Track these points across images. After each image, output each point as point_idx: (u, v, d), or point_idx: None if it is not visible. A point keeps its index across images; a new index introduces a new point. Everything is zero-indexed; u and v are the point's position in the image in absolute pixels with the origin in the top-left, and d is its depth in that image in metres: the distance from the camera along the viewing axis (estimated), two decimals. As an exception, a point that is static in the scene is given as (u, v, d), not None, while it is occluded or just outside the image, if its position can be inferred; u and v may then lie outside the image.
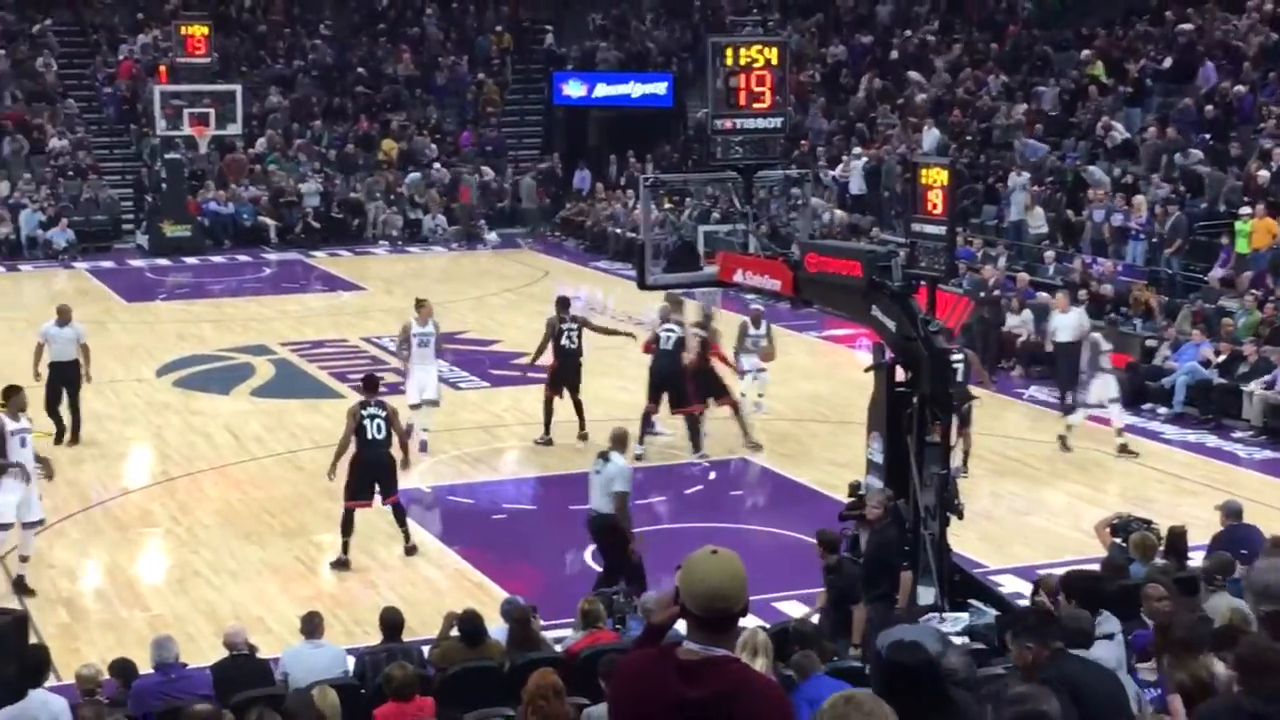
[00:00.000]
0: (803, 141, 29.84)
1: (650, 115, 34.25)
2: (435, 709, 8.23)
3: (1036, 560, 12.82)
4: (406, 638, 9.67)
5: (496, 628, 9.65)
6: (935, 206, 11.18)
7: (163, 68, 30.77)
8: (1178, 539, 10.53)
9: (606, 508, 11.87)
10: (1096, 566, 10.31)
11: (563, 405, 16.58)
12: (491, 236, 31.65)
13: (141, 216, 30.81)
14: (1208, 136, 23.68)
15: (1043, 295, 20.74)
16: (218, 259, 29.61)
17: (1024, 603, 10.34)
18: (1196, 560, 10.44)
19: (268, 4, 37.37)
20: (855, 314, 12.28)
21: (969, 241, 22.78)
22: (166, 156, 29.63)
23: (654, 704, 3.80)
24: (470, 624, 9.34)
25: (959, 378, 14.13)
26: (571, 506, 13.94)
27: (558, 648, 9.56)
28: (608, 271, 28.16)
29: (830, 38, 34.32)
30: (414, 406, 16.06)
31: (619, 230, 29.62)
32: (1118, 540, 10.98)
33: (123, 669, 9.23)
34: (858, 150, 28.74)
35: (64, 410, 16.37)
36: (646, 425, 16.17)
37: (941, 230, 11.14)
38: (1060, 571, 9.31)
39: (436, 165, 33.30)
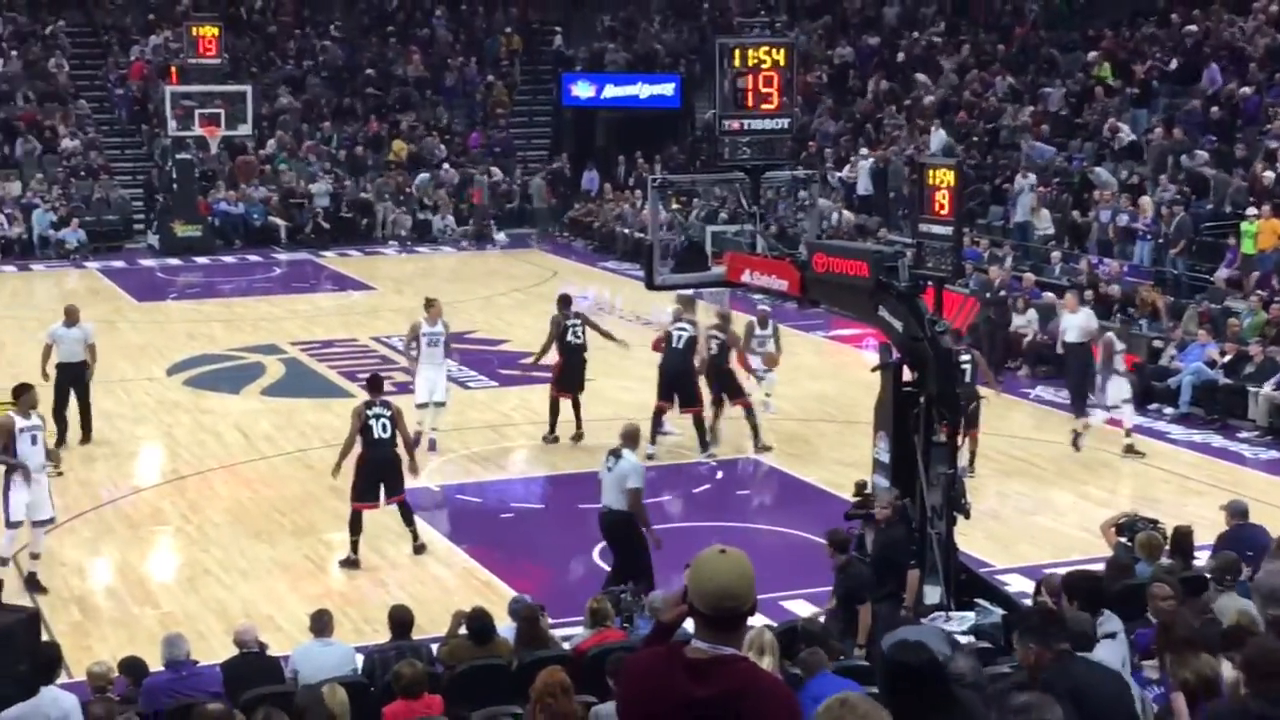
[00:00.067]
0: (810, 142, 29.87)
1: (658, 116, 34.30)
2: (444, 706, 8.25)
3: (1043, 560, 12.84)
4: (415, 636, 9.70)
5: (505, 626, 9.67)
6: (942, 207, 11.20)
7: (174, 68, 30.87)
8: (1183, 539, 10.53)
9: (619, 504, 11.86)
10: (1102, 566, 10.36)
11: (565, 404, 16.59)
12: (500, 237, 31.74)
13: (152, 216, 30.91)
14: (1213, 138, 23.70)
15: (1048, 295, 20.79)
16: (228, 259, 29.70)
17: (1029, 602, 10.37)
18: (1202, 560, 10.47)
19: (278, 5, 37.48)
20: (862, 314, 12.31)
21: (975, 242, 22.81)
22: (177, 157, 29.73)
23: (662, 702, 3.81)
24: (479, 622, 9.35)
25: (966, 378, 14.25)
26: (580, 505, 13.99)
27: (566, 646, 9.56)
28: (616, 272, 28.22)
29: (838, 39, 34.36)
30: (421, 405, 16.09)
31: (627, 230, 29.67)
32: (1123, 540, 11.00)
33: (132, 667, 9.23)
34: (865, 151, 28.79)
35: (71, 412, 16.33)
36: (658, 424, 16.20)
37: (948, 231, 11.15)
38: (1065, 571, 9.34)
39: (446, 166, 33.40)
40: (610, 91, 34.86)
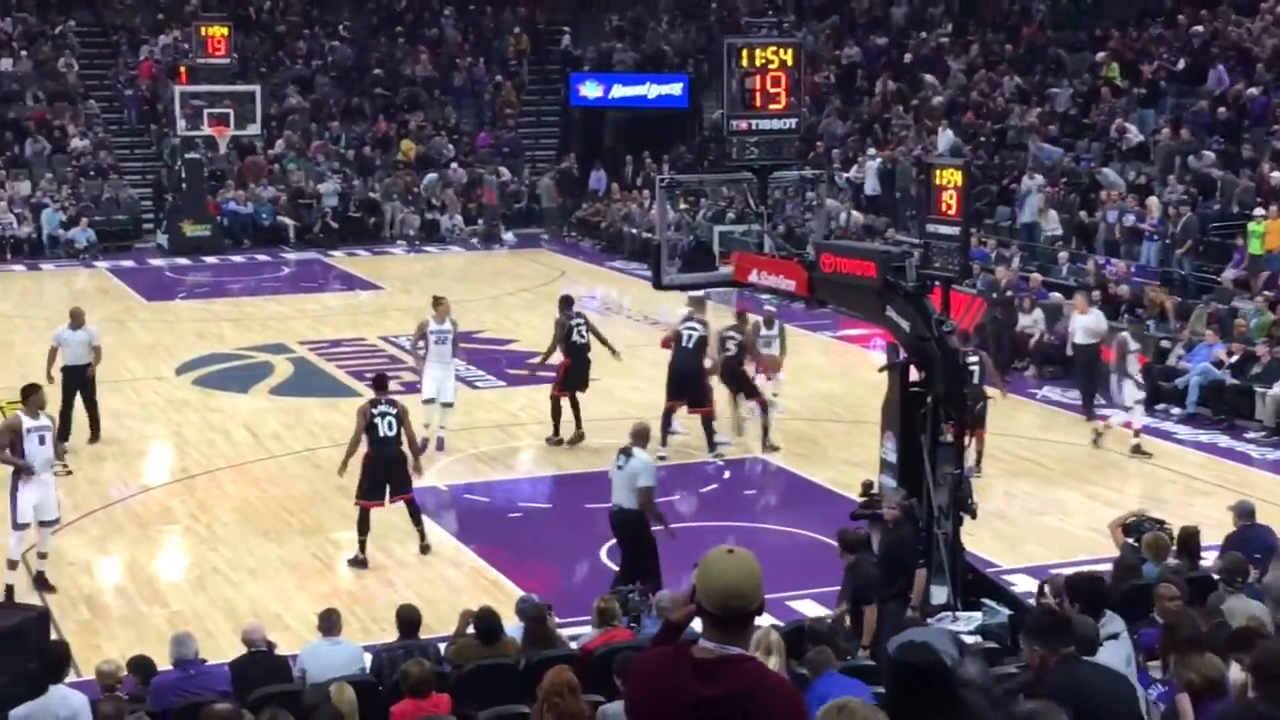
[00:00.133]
0: (818, 142, 29.89)
1: (666, 116, 34.32)
2: (451, 706, 8.25)
3: (1049, 560, 12.84)
4: (423, 635, 9.70)
5: (513, 626, 9.69)
6: (949, 207, 11.22)
7: (183, 68, 30.96)
8: (1190, 539, 10.54)
9: (629, 503, 11.87)
10: (1109, 566, 10.37)
11: (565, 405, 16.55)
12: (508, 237, 31.78)
13: (161, 216, 30.99)
14: (1220, 139, 23.69)
15: (1055, 295, 20.80)
16: (237, 258, 29.77)
17: (1033, 603, 10.37)
18: (1209, 560, 10.48)
19: (287, 5, 37.55)
20: (869, 314, 12.32)
21: (983, 242, 22.82)
22: (186, 156, 29.80)
23: (670, 701, 3.82)
24: (486, 622, 9.37)
25: (974, 380, 14.26)
26: (587, 505, 14.03)
27: (573, 645, 9.58)
28: (623, 271, 28.25)
29: (845, 39, 34.37)
30: (428, 401, 16.10)
31: (635, 230, 29.70)
32: (1130, 540, 11.01)
33: (141, 666, 9.26)
34: (872, 151, 28.80)
35: (78, 413, 16.34)
36: (668, 424, 16.20)
37: (955, 231, 11.17)
38: (1071, 571, 9.35)
39: (454, 165, 33.44)
40: (618, 91, 34.89)
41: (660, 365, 16.67)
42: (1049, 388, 19.35)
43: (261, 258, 29.98)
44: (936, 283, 11.32)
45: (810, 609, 11.49)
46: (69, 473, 14.86)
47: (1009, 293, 20.39)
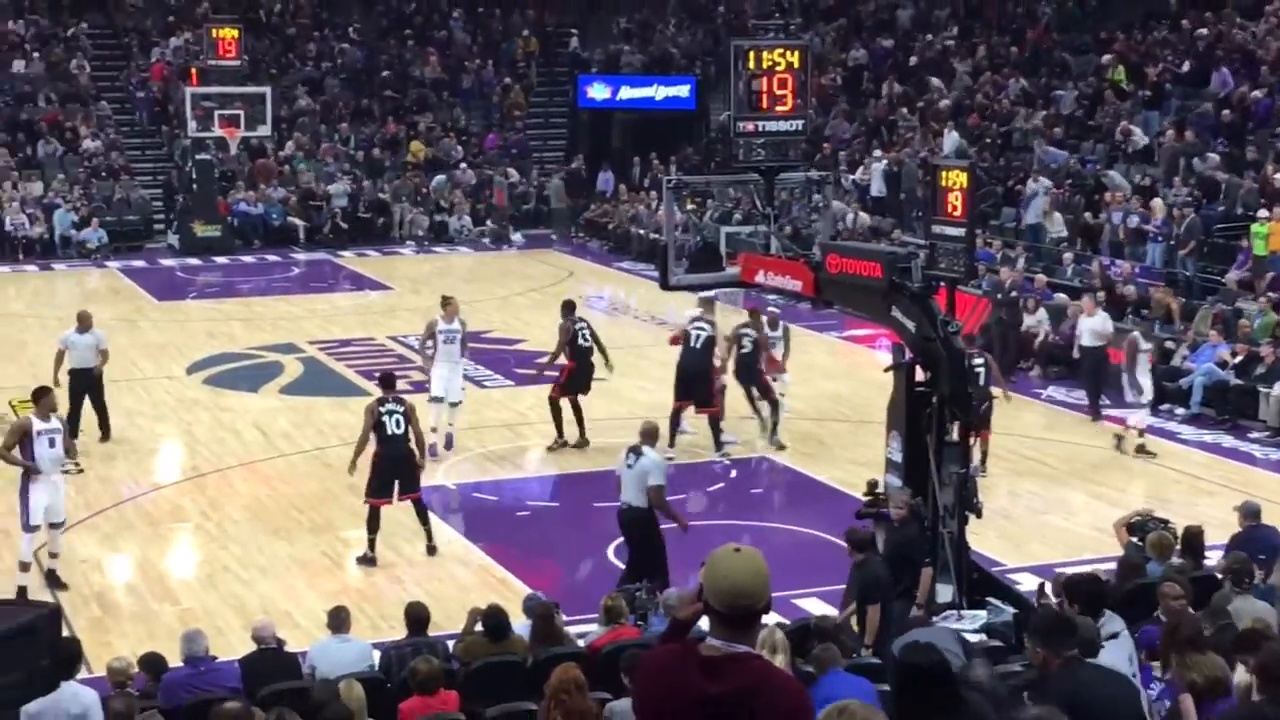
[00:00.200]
0: (824, 144, 29.95)
1: (673, 118, 34.39)
2: (459, 702, 8.31)
3: (1054, 559, 12.91)
4: (432, 633, 9.74)
5: (521, 623, 9.72)
6: (955, 209, 11.25)
7: (194, 70, 31.06)
8: (1194, 538, 10.57)
9: (639, 501, 11.91)
10: (1114, 565, 10.43)
11: (563, 406, 16.55)
12: (516, 237, 31.87)
13: (173, 216, 31.09)
14: (1224, 141, 23.73)
15: (1060, 296, 20.86)
16: (247, 259, 29.88)
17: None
18: (1213, 560, 10.52)
19: (297, 8, 37.67)
20: (875, 315, 12.37)
21: (988, 243, 22.88)
22: (197, 157, 29.93)
23: (677, 699, 3.84)
24: (494, 619, 9.39)
25: (980, 381, 14.31)
26: (595, 504, 14.10)
27: (580, 643, 9.60)
28: (631, 272, 28.34)
29: (851, 42, 34.44)
30: (437, 400, 16.11)
31: (642, 231, 29.77)
32: (1134, 539, 11.05)
33: (151, 663, 9.30)
34: (878, 153, 28.88)
35: (88, 415, 16.36)
36: (676, 424, 16.24)
37: (961, 232, 11.20)
38: (1073, 571, 9.40)
39: (462, 166, 33.54)
40: (626, 93, 34.96)
41: (667, 365, 16.72)
42: (1054, 388, 19.41)
43: (272, 258, 30.09)
44: (942, 283, 11.35)
45: (816, 607, 11.54)
46: (80, 471, 14.96)
47: (1014, 293, 20.44)
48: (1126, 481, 15.83)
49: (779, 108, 12.78)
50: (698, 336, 16.20)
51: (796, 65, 12.89)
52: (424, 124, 34.75)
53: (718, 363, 16.35)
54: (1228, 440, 17.17)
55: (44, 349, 19.26)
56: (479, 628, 9.53)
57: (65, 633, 10.44)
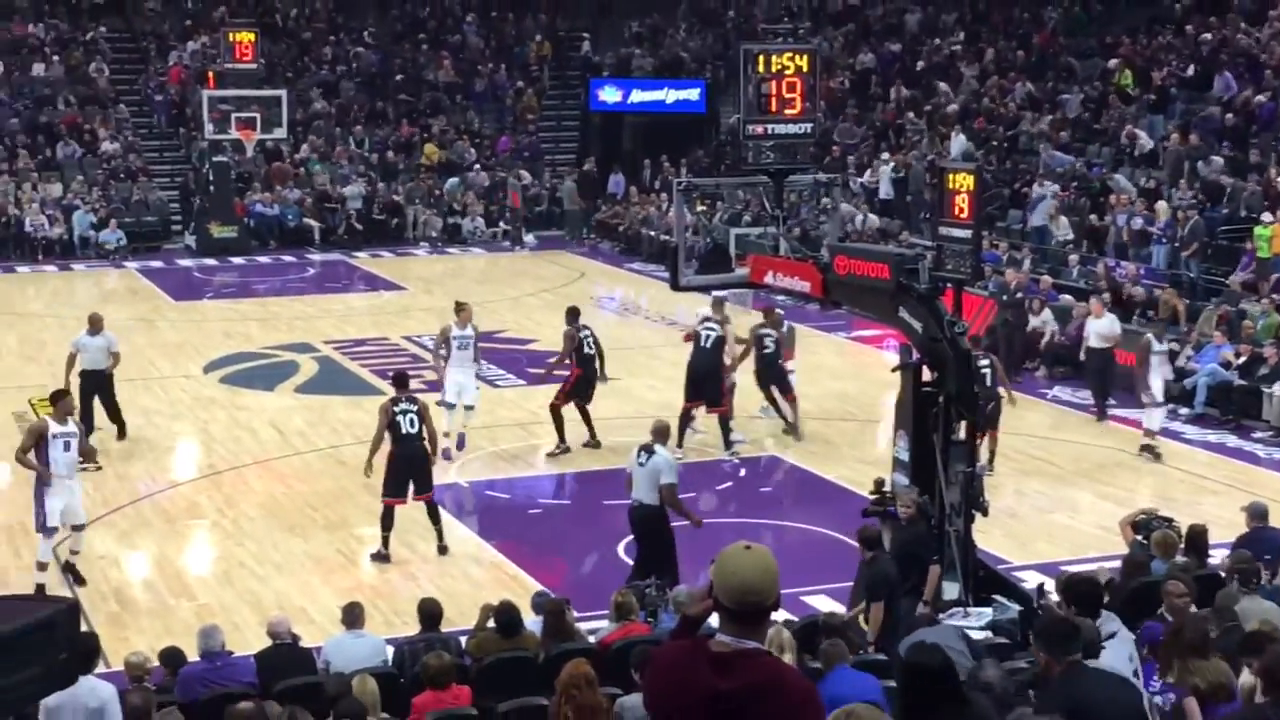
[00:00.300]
0: (833, 147, 30.05)
1: (684, 121, 34.48)
2: (471, 697, 8.40)
3: (1059, 557, 12.99)
4: (444, 628, 9.80)
5: (533, 620, 9.78)
6: (961, 211, 11.33)
7: (211, 73, 31.21)
8: (1198, 537, 10.62)
9: (650, 499, 11.97)
10: (1118, 564, 10.51)
11: (563, 410, 16.51)
12: (529, 239, 32.04)
13: (190, 218, 31.29)
14: (1228, 144, 23.81)
15: (1066, 298, 20.96)
16: (263, 259, 30.06)
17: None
18: (1216, 559, 10.60)
19: (312, 12, 37.88)
20: (883, 315, 12.45)
21: (994, 245, 22.96)
22: (214, 159, 30.13)
23: (687, 695, 3.87)
24: (506, 615, 9.44)
25: (987, 382, 14.42)
26: (605, 502, 14.23)
27: (591, 639, 9.63)
28: (641, 273, 28.47)
29: (860, 46, 34.53)
30: (450, 405, 16.13)
31: (653, 233, 29.90)
32: (1139, 538, 11.13)
33: (170, 658, 9.36)
34: (886, 156, 29.00)
35: (98, 416, 16.46)
36: (686, 423, 16.31)
37: (967, 234, 11.27)
38: (1077, 570, 9.49)
39: (476, 169, 33.71)
40: (637, 96, 35.07)
41: (677, 365, 16.83)
42: (1059, 388, 19.50)
43: (287, 259, 30.26)
44: (949, 285, 11.42)
45: (824, 604, 11.63)
46: (99, 468, 15.13)
47: (1020, 295, 20.54)
48: (1132, 481, 15.91)
49: (788, 111, 12.86)
50: (707, 336, 16.29)
51: (805, 69, 12.97)
52: (438, 127, 34.93)
53: (728, 361, 16.47)
54: (1232, 440, 17.25)
55: (63, 349, 19.30)
56: (491, 624, 9.57)
57: (83, 628, 10.60)
